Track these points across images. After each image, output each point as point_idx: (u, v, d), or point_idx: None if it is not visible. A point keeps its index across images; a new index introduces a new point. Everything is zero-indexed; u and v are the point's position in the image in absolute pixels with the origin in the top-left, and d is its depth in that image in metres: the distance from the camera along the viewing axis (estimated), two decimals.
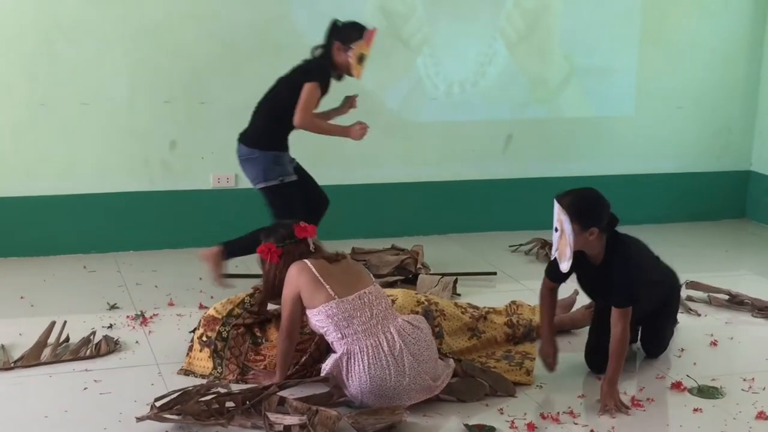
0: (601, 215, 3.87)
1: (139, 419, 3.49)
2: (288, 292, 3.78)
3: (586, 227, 3.81)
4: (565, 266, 3.84)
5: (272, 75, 6.06)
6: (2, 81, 5.60)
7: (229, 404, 3.59)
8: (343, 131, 5.09)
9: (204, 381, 3.92)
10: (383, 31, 6.27)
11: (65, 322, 4.44)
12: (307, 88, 4.87)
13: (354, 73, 5.03)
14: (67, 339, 4.37)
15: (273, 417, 3.49)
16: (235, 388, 3.83)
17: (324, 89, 4.95)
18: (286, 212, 4.77)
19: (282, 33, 6.05)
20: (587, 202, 3.86)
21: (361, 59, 4.99)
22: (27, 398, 3.82)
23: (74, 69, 5.68)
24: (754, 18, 7.03)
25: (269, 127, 5.02)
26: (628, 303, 3.80)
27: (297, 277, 3.76)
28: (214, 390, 3.63)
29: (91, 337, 4.39)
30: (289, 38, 6.05)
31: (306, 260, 3.79)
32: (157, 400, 3.53)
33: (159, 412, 3.49)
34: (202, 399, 3.56)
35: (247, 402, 3.59)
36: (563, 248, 3.80)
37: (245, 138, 5.05)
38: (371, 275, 3.96)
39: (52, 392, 3.88)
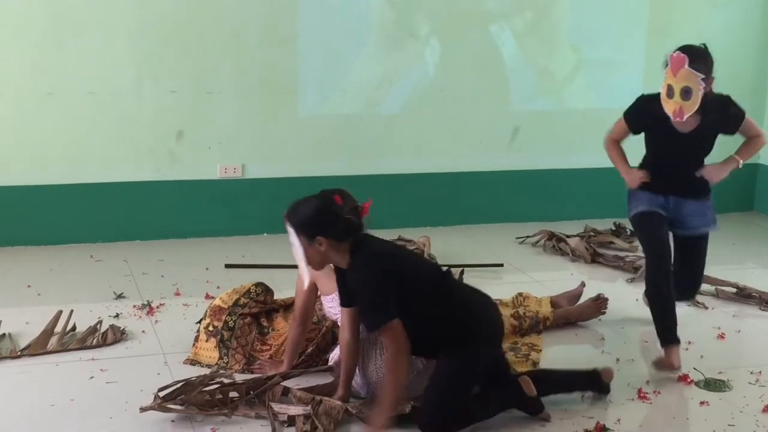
0: (326, 224, 3.40)
1: (143, 409, 3.49)
2: (300, 284, 3.78)
3: (312, 237, 3.41)
4: (305, 279, 3.65)
5: (280, 65, 6.08)
6: (9, 70, 5.60)
7: (233, 394, 3.60)
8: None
9: (209, 371, 3.92)
10: (392, 22, 6.28)
11: (72, 311, 4.45)
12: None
13: (667, 110, 4.15)
14: (74, 328, 4.38)
15: (277, 407, 3.50)
16: (241, 377, 3.85)
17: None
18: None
19: (289, 23, 6.04)
20: (308, 211, 3.41)
21: (669, 93, 4.12)
22: (34, 387, 3.82)
23: (81, 58, 5.68)
24: (763, 10, 7.00)
25: None
26: (375, 322, 3.36)
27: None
28: (217, 380, 3.63)
29: (98, 326, 4.40)
30: (297, 29, 6.04)
31: None
32: (160, 390, 3.53)
33: (163, 402, 3.49)
34: (206, 389, 3.57)
35: (251, 392, 3.60)
36: (299, 262, 3.49)
37: None
38: None
39: (58, 381, 3.88)
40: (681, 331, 4.56)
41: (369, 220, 3.54)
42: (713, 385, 3.98)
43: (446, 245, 5.91)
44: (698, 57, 4.02)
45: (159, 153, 5.98)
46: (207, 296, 4.86)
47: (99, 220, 5.89)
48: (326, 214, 3.41)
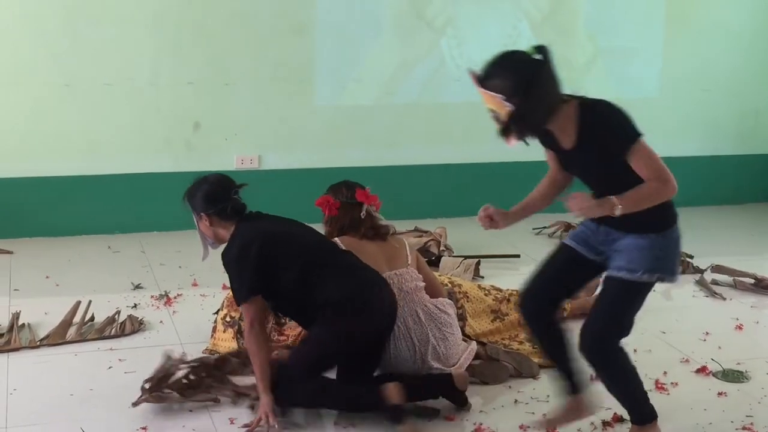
0: (210, 203, 3.58)
1: (135, 404, 3.51)
2: None
3: (197, 214, 3.64)
4: (202, 254, 3.77)
5: (296, 57, 6.08)
6: (27, 61, 5.62)
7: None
8: None
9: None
10: (407, 11, 6.26)
11: (90, 301, 4.47)
12: None
13: None
14: (92, 318, 4.40)
15: (236, 380, 3.57)
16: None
17: None
18: None
19: (305, 14, 6.04)
20: (196, 190, 3.65)
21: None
22: (53, 376, 3.85)
23: (98, 50, 5.70)
24: None
25: None
26: (237, 299, 3.51)
27: None
28: (185, 364, 3.68)
29: (116, 316, 4.42)
30: (313, 19, 6.04)
31: (338, 238, 3.79)
32: (145, 382, 3.56)
33: (152, 392, 3.53)
34: (181, 374, 3.64)
35: (214, 370, 3.68)
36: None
37: None
38: (409, 257, 3.88)
39: (77, 371, 3.91)
40: (699, 322, 4.56)
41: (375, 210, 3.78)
42: (731, 375, 3.96)
43: (463, 236, 5.90)
44: (493, 74, 3.13)
45: (176, 144, 6.00)
46: (224, 287, 4.86)
47: (116, 211, 5.92)
48: (211, 193, 3.60)
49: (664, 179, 3.05)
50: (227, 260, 3.54)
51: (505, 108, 3.09)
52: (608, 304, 3.27)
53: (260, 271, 3.45)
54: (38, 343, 4.15)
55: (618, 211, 3.04)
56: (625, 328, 3.31)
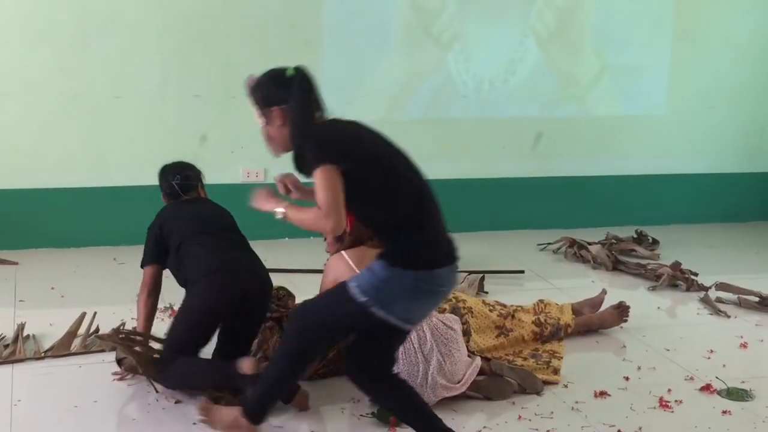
0: (161, 185, 4.27)
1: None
2: (327, 281, 3.80)
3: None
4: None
5: None
6: (36, 74, 5.65)
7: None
8: None
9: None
10: (414, 26, 6.28)
11: (95, 313, 4.48)
12: None
13: None
14: (97, 330, 4.40)
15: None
16: None
17: None
18: None
19: (313, 29, 6.07)
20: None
21: None
22: (57, 388, 3.85)
23: (107, 62, 5.73)
24: None
25: None
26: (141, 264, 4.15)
27: (335, 268, 3.78)
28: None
29: (121, 328, 4.42)
30: (320, 34, 6.07)
31: (344, 252, 3.80)
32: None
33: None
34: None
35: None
36: None
37: None
38: None
39: (81, 382, 3.91)
40: (704, 340, 4.56)
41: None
42: (736, 394, 3.96)
43: (467, 251, 5.83)
44: (252, 88, 3.38)
45: (183, 156, 5.96)
46: None
47: (123, 223, 5.93)
48: (161, 176, 4.29)
49: (325, 214, 2.98)
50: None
51: (259, 121, 3.27)
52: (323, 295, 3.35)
53: (157, 245, 3.98)
54: (43, 355, 4.15)
55: (278, 215, 3.13)
56: (319, 341, 3.19)
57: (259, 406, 3.30)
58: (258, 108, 3.28)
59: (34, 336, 4.33)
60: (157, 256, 4.01)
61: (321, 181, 2.99)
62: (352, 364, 3.29)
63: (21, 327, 4.37)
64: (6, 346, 4.20)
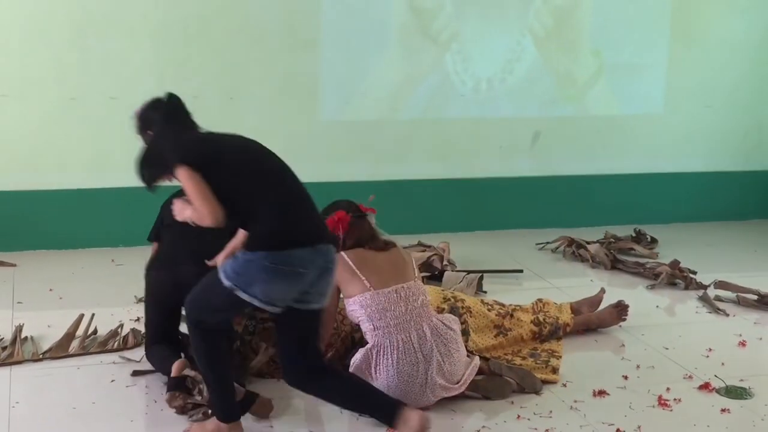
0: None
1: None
2: None
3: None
4: None
5: (302, 70, 6.11)
6: (33, 75, 5.65)
7: None
8: None
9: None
10: (412, 26, 6.28)
11: (93, 314, 4.48)
12: None
13: None
14: (95, 331, 4.41)
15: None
16: (261, 381, 3.87)
17: None
18: None
19: (311, 29, 6.06)
20: None
21: None
22: (55, 390, 3.85)
23: (104, 63, 5.72)
24: None
25: None
26: None
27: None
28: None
29: (119, 329, 4.43)
30: (319, 34, 6.07)
31: (344, 252, 3.80)
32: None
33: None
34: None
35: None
36: None
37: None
38: (416, 270, 3.89)
39: (79, 384, 3.91)
40: (702, 338, 4.56)
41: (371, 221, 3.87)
42: (734, 392, 3.96)
43: (466, 251, 5.90)
44: (136, 117, 3.77)
45: None
46: None
47: (121, 224, 5.93)
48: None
49: (198, 208, 3.23)
50: None
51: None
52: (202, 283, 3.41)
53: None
54: (41, 356, 4.15)
55: (178, 216, 3.38)
56: (204, 316, 3.36)
57: (218, 405, 3.41)
58: (138, 133, 3.65)
59: (32, 338, 4.32)
60: (154, 235, 4.27)
61: (183, 178, 3.26)
62: (284, 366, 3.45)
63: (19, 329, 4.36)
64: (4, 348, 4.19)
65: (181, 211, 3.38)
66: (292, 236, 3.25)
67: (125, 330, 4.42)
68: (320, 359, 3.46)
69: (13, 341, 4.25)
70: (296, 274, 3.22)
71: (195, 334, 3.37)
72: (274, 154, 3.49)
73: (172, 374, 3.66)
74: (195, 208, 3.25)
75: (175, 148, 3.35)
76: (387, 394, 3.50)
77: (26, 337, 4.33)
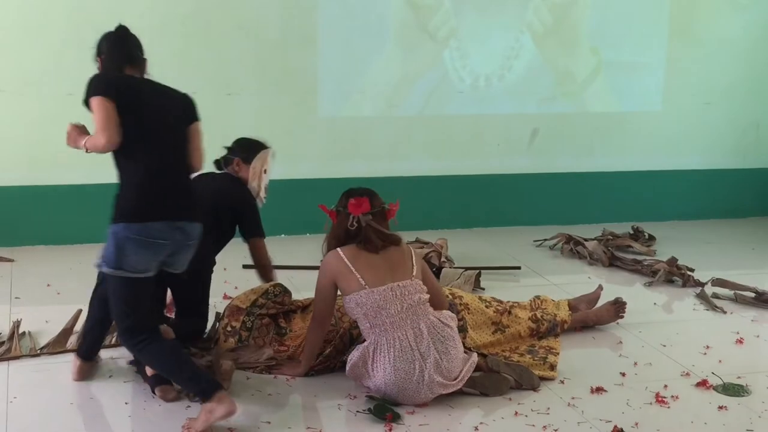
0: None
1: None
2: (322, 279, 3.80)
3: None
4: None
5: (299, 67, 6.11)
6: (31, 71, 5.64)
7: None
8: None
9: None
10: (410, 23, 6.28)
11: None
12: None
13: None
14: None
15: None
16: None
17: None
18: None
19: (309, 26, 6.06)
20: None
21: None
22: (53, 385, 3.85)
23: None
24: None
25: None
26: None
27: (331, 265, 3.77)
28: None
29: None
30: (317, 31, 6.07)
31: (339, 249, 3.79)
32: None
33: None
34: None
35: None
36: None
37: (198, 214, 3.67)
38: (415, 267, 3.82)
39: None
40: (700, 335, 4.56)
41: (395, 222, 3.87)
42: (732, 389, 3.96)
43: (464, 248, 5.91)
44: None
45: None
46: (225, 296, 4.87)
47: None
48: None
49: (98, 131, 3.44)
50: (252, 203, 4.36)
51: None
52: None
53: None
54: (39, 352, 4.15)
55: (83, 149, 3.59)
56: (126, 317, 3.48)
57: (195, 388, 3.47)
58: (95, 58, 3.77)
59: (29, 333, 4.32)
60: None
61: (95, 107, 3.43)
62: (121, 323, 3.53)
63: (17, 324, 4.36)
64: (1, 344, 4.19)
65: (74, 139, 3.57)
66: (153, 208, 3.44)
67: None
68: (155, 322, 3.59)
69: (11, 337, 4.26)
70: (153, 245, 3.43)
71: (135, 351, 3.52)
72: (180, 126, 3.62)
73: (149, 373, 3.72)
74: (95, 132, 3.42)
75: (98, 82, 3.51)
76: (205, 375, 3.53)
77: (24, 333, 4.33)
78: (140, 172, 3.46)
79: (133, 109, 3.46)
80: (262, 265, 4.41)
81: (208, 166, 4.03)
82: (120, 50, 3.70)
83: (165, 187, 3.50)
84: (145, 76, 3.70)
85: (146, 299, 3.52)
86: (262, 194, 4.44)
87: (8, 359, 4.07)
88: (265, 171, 4.44)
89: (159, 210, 3.45)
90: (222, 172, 4.46)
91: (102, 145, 3.41)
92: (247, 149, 4.47)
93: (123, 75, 3.61)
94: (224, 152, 4.48)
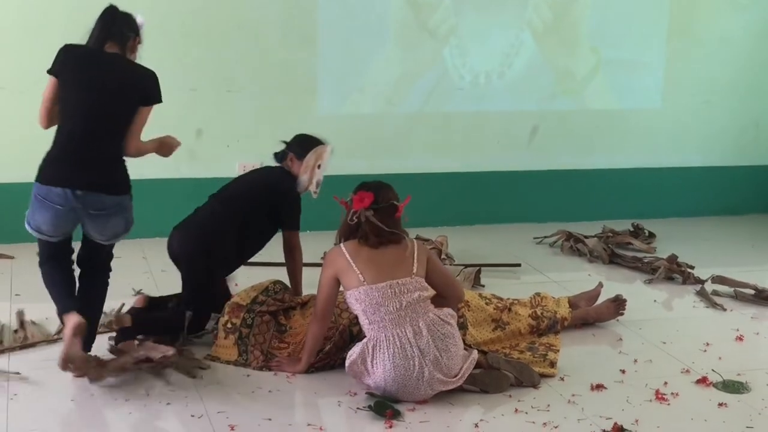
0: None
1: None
2: (325, 274, 3.81)
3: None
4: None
5: (299, 64, 6.11)
6: (30, 68, 5.61)
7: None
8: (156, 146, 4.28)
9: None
10: (410, 20, 6.28)
11: None
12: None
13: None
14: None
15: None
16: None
17: None
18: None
19: (309, 23, 6.06)
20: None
21: None
22: (53, 382, 3.84)
23: None
24: None
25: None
26: None
27: (334, 260, 3.78)
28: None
29: (122, 308, 4.45)
30: (317, 29, 6.06)
31: (342, 244, 3.79)
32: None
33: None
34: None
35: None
36: None
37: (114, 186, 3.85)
38: (415, 265, 3.79)
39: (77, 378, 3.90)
40: (700, 333, 4.57)
41: (405, 218, 3.90)
42: (732, 386, 3.96)
43: (464, 245, 5.91)
44: None
45: (178, 151, 5.98)
46: None
47: None
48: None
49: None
50: (293, 196, 4.43)
51: None
52: None
53: None
54: (55, 337, 4.20)
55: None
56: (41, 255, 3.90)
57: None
58: None
59: (34, 322, 4.38)
60: None
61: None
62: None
63: (22, 312, 4.43)
64: (15, 331, 4.26)
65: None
66: (56, 173, 3.67)
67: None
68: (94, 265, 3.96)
69: (22, 325, 4.33)
70: (50, 207, 3.67)
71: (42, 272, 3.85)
72: (118, 102, 3.76)
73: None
74: None
75: (54, 57, 3.78)
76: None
77: (31, 321, 4.39)
78: (58, 136, 3.70)
79: (67, 76, 3.70)
80: (292, 258, 4.49)
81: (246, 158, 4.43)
82: (102, 27, 3.85)
83: (73, 155, 3.66)
84: (134, 56, 3.88)
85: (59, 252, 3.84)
86: (313, 188, 4.53)
87: (26, 347, 4.15)
88: (319, 166, 4.53)
89: (60, 176, 3.65)
90: (277, 165, 4.59)
91: (41, 125, 3.78)
92: (301, 145, 4.57)
93: (76, 45, 3.82)
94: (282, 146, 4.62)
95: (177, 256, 4.41)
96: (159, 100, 3.90)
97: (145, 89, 3.83)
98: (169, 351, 3.79)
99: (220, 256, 4.29)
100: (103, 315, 4.25)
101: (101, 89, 3.68)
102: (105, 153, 3.74)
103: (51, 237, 3.77)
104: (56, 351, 4.10)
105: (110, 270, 4.08)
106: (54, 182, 3.65)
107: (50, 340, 4.19)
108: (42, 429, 3.46)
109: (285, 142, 4.61)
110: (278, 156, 4.61)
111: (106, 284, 4.03)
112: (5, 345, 4.15)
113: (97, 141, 3.69)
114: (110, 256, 4.07)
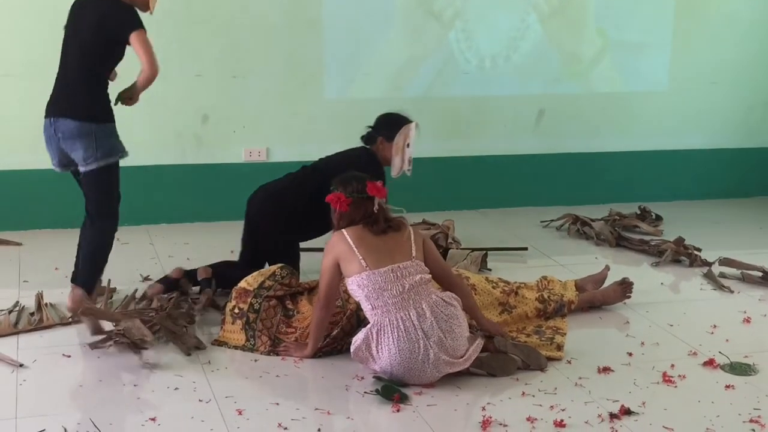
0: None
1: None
2: (327, 260, 3.81)
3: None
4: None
5: (305, 49, 6.10)
6: (36, 55, 5.63)
7: None
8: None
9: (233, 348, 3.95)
10: (415, 4, 6.26)
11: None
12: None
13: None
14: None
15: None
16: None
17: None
18: (113, 193, 4.44)
19: (315, 8, 6.05)
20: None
21: None
22: (63, 367, 3.86)
23: None
24: None
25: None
26: None
27: (335, 246, 3.79)
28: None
29: (135, 294, 4.49)
30: (322, 13, 6.05)
31: (344, 230, 3.80)
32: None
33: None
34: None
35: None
36: None
37: (73, 111, 4.15)
38: (414, 249, 3.82)
39: (86, 362, 3.92)
40: (707, 315, 4.57)
41: (385, 202, 3.91)
42: (739, 368, 3.96)
43: (470, 229, 5.91)
44: None
45: (184, 137, 6.01)
46: None
47: (125, 203, 5.85)
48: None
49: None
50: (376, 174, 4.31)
51: None
52: None
53: None
54: (69, 320, 4.25)
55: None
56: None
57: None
58: None
59: (52, 304, 4.43)
60: None
61: None
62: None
63: (40, 295, 4.48)
64: (32, 314, 4.31)
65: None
66: (48, 106, 4.22)
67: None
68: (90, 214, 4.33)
69: (39, 307, 4.37)
70: (46, 138, 4.24)
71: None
72: (94, 34, 4.14)
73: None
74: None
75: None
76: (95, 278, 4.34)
77: (47, 303, 4.45)
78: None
79: (66, 26, 4.26)
80: None
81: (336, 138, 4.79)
82: None
83: (57, 88, 4.23)
84: None
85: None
86: (406, 167, 4.71)
87: (41, 329, 4.19)
88: (408, 145, 4.65)
89: (47, 110, 4.20)
90: (361, 146, 4.76)
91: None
92: (388, 126, 4.69)
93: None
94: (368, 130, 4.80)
95: (248, 209, 4.73)
96: (136, 27, 4.16)
97: (121, 21, 4.13)
98: (149, 337, 3.93)
99: (292, 220, 4.52)
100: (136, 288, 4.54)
101: (80, 28, 4.15)
102: (74, 83, 4.17)
103: (55, 168, 4.33)
104: (68, 335, 4.15)
105: (105, 220, 4.35)
106: (45, 116, 4.20)
107: (65, 323, 4.23)
108: (51, 414, 3.47)
109: (371, 126, 4.73)
110: (367, 139, 4.66)
111: (99, 233, 4.34)
112: (20, 327, 4.19)
113: (71, 72, 4.18)
114: (101, 205, 4.33)
